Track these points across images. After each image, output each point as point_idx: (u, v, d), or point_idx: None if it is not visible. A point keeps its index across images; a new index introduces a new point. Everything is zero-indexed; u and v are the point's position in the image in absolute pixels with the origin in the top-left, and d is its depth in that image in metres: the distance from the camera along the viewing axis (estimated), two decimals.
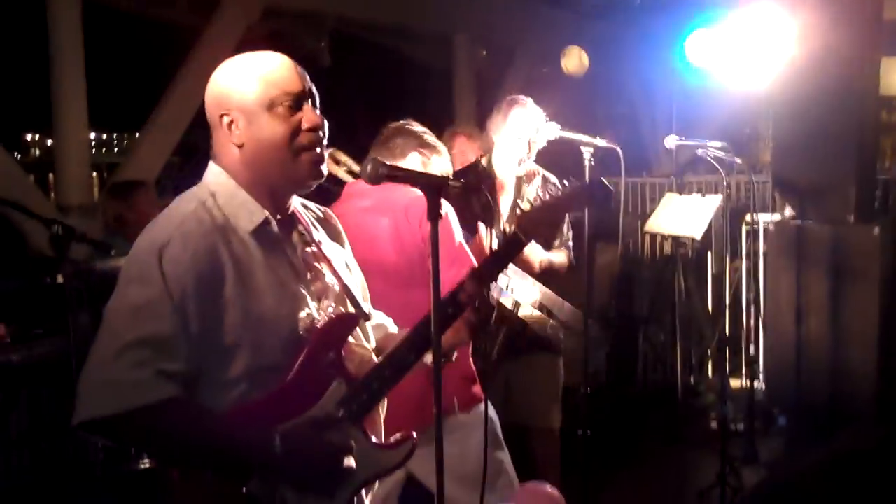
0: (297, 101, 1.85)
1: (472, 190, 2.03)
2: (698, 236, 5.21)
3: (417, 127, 3.16)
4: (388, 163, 1.89)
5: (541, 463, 4.02)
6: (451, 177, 2.90)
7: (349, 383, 1.92)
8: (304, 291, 1.92)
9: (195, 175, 1.98)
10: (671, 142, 4.81)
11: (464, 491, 2.57)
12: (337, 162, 3.34)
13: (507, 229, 3.77)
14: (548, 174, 4.02)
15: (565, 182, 2.20)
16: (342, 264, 2.07)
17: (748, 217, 6.17)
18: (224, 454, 1.78)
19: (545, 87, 8.33)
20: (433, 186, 1.84)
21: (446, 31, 7.87)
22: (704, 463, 4.78)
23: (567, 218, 3.84)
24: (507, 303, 3.57)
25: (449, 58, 8.02)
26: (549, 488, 2.91)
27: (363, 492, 1.99)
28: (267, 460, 1.77)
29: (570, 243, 4.08)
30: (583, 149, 3.44)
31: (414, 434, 1.99)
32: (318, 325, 1.91)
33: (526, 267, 3.77)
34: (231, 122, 1.86)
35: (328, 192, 2.93)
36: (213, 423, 1.79)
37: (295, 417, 1.84)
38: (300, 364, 1.86)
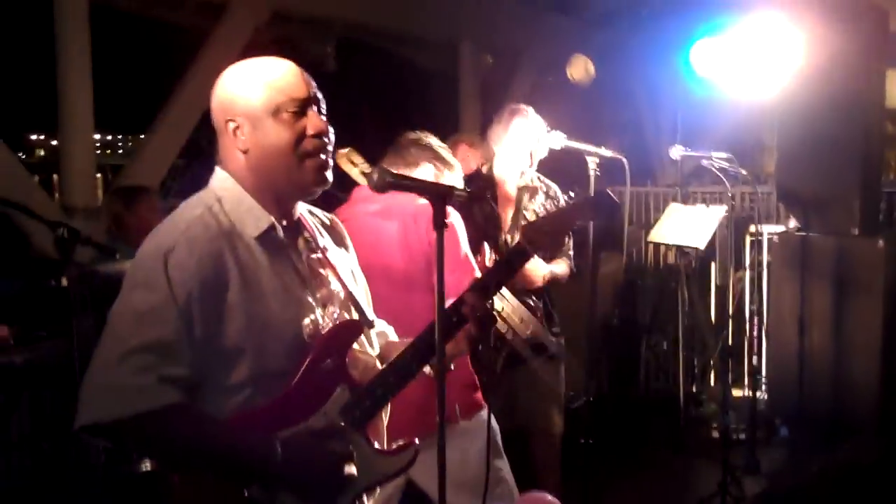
0: (303, 107, 1.86)
1: (477, 199, 2.03)
2: (702, 247, 5.21)
3: (434, 141, 3.18)
4: (394, 171, 1.89)
5: (541, 468, 4.02)
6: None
7: (353, 390, 1.92)
8: (308, 298, 1.93)
9: (199, 178, 1.99)
10: (676, 153, 4.81)
11: (463, 498, 2.56)
12: (353, 163, 3.34)
13: (508, 240, 3.77)
14: (550, 183, 4.02)
15: (571, 193, 2.21)
16: (347, 271, 2.08)
17: (752, 228, 6.16)
18: (225, 460, 1.79)
19: (550, 94, 8.35)
20: (439, 195, 1.84)
21: (452, 37, 7.88)
22: (706, 472, 4.78)
23: None
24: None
25: (454, 64, 8.03)
26: (549, 498, 2.91)
27: (364, 497, 1.99)
28: (268, 467, 1.77)
29: (571, 252, 4.08)
30: (588, 159, 3.44)
31: (416, 441, 1.99)
32: (322, 332, 1.91)
33: (529, 281, 3.78)
34: (237, 127, 1.86)
35: (334, 198, 2.93)
36: (216, 429, 1.79)
37: (298, 423, 1.84)
38: (304, 370, 1.86)
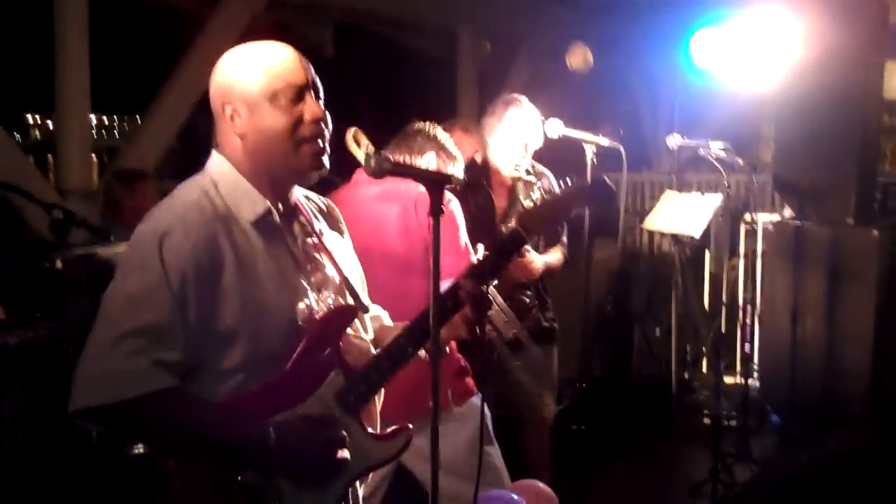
0: (300, 92, 1.85)
1: (473, 188, 2.04)
2: (697, 235, 5.22)
3: (441, 133, 3.19)
4: (396, 158, 1.90)
5: (532, 455, 4.04)
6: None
7: (347, 374, 1.92)
8: (304, 282, 1.93)
9: (195, 161, 1.99)
10: (673, 141, 4.82)
11: (454, 483, 2.58)
12: (358, 143, 3.33)
13: (504, 230, 3.78)
14: (545, 171, 4.03)
15: (568, 180, 2.21)
16: (343, 256, 2.08)
17: (747, 217, 6.18)
18: (219, 445, 1.79)
19: (548, 83, 8.33)
20: (435, 183, 1.84)
21: (450, 23, 7.85)
22: (697, 458, 4.81)
23: None
24: None
25: (452, 50, 8.01)
26: (541, 486, 2.93)
27: (357, 482, 2.00)
28: (262, 452, 1.77)
29: (565, 239, 4.10)
30: (585, 147, 3.45)
31: (410, 426, 2.01)
32: (317, 316, 1.92)
33: (528, 273, 3.80)
34: (234, 112, 1.86)
35: (331, 183, 2.93)
36: (209, 414, 1.79)
37: (292, 408, 1.85)
38: (298, 354, 1.87)
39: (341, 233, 2.16)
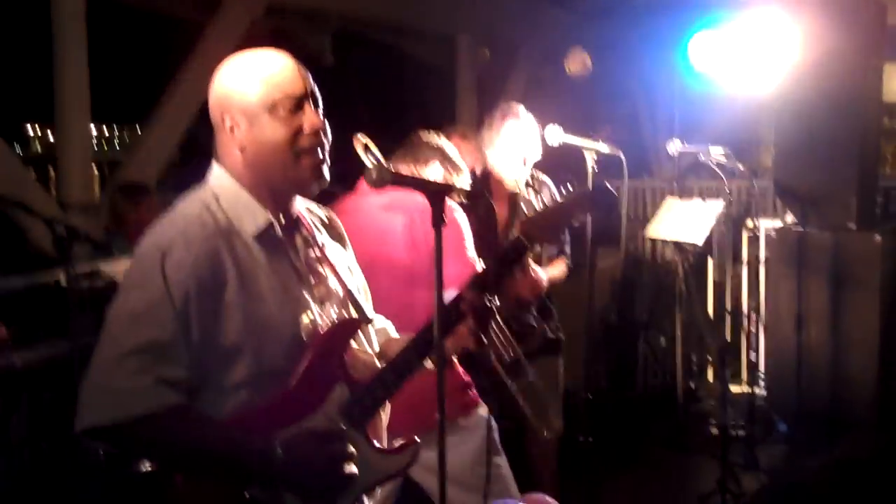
0: (299, 102, 1.84)
1: (475, 197, 2.02)
2: (699, 243, 5.20)
3: (446, 143, 3.19)
4: (399, 168, 1.89)
5: (538, 467, 4.02)
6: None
7: (352, 388, 1.91)
8: (307, 295, 1.92)
9: (196, 172, 1.97)
10: (674, 147, 4.80)
11: (462, 494, 2.57)
12: (366, 149, 3.32)
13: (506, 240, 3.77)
14: (545, 180, 4.01)
15: (570, 187, 2.19)
16: (345, 268, 2.07)
17: (749, 223, 6.16)
18: (225, 462, 1.78)
19: (547, 88, 8.33)
20: (437, 193, 1.83)
21: (449, 30, 7.86)
22: (704, 469, 4.78)
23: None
24: None
25: (451, 57, 8.02)
26: (549, 500, 2.90)
27: (363, 496, 1.98)
28: (268, 468, 1.76)
29: (568, 249, 4.09)
30: (586, 154, 3.43)
31: (417, 439, 1.99)
32: (320, 330, 1.90)
33: (533, 289, 3.79)
34: (233, 123, 1.85)
35: (332, 194, 2.92)
36: (215, 431, 1.78)
37: (298, 423, 1.83)
38: (303, 369, 1.85)
39: (344, 244, 2.15)
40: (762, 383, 5.85)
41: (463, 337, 2.03)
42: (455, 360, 2.81)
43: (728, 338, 6.00)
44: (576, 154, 3.47)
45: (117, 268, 3.27)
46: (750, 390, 5.27)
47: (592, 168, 3.41)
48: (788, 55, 4.95)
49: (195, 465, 1.79)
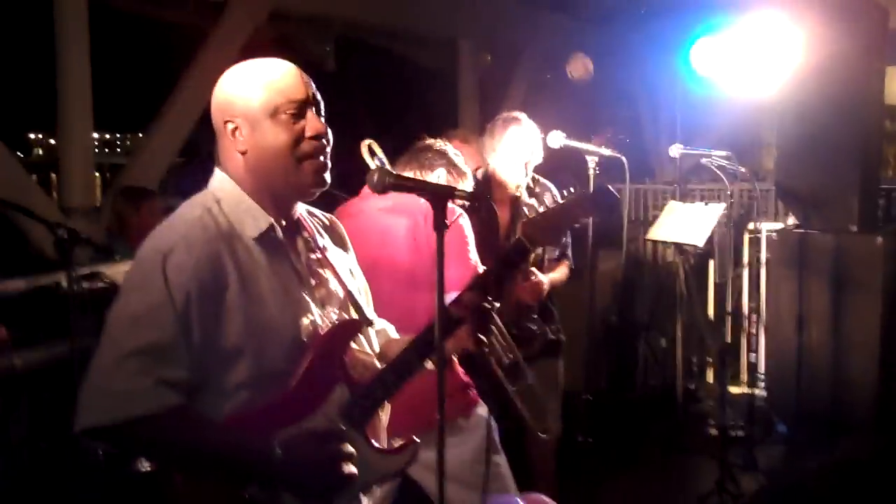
0: (301, 108, 1.85)
1: (477, 201, 2.03)
2: (701, 245, 5.21)
3: (450, 149, 3.21)
4: (400, 172, 1.90)
5: (537, 468, 4.03)
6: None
7: (352, 389, 1.92)
8: (307, 298, 1.93)
9: (197, 176, 1.99)
10: (676, 150, 4.81)
11: (459, 492, 2.58)
12: (372, 154, 3.33)
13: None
14: (548, 185, 4.02)
15: (571, 189, 2.20)
16: (346, 270, 2.08)
17: (751, 225, 6.17)
18: (225, 462, 1.79)
19: (549, 92, 8.35)
20: (439, 196, 1.84)
21: (451, 35, 7.88)
22: (703, 469, 4.78)
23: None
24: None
25: (453, 62, 8.03)
26: (548, 500, 2.91)
27: (361, 496, 1.99)
28: (267, 468, 1.77)
29: (570, 251, 4.10)
30: (588, 158, 3.45)
31: (416, 439, 2.00)
32: (321, 332, 1.92)
33: (534, 294, 3.80)
34: (235, 128, 1.86)
35: (334, 198, 2.93)
36: (215, 432, 1.79)
37: (298, 424, 1.84)
38: (303, 371, 1.86)
39: (345, 248, 2.16)
40: (762, 384, 5.85)
41: (463, 338, 2.04)
42: (455, 360, 2.82)
43: (728, 339, 6.00)
44: (578, 157, 3.48)
45: (118, 271, 3.29)
46: (750, 391, 5.26)
47: (594, 171, 3.42)
48: (791, 58, 4.96)
49: (194, 465, 1.79)
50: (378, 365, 2.04)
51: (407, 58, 8.47)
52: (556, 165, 4.02)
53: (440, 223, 1.81)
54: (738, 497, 4.41)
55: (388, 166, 3.39)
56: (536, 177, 3.99)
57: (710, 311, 6.72)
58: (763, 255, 6.07)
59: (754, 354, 6.01)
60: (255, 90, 1.84)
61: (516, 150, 3.83)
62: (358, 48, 7.95)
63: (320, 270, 2.00)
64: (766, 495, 4.29)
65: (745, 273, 6.25)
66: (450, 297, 1.91)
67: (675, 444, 5.37)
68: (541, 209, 3.81)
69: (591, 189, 3.30)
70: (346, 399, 1.91)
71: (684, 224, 5.27)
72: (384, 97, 9.48)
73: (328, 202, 2.29)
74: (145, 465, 3.18)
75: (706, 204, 5.39)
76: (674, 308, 5.66)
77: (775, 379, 5.49)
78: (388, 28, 7.47)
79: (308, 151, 1.85)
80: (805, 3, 4.99)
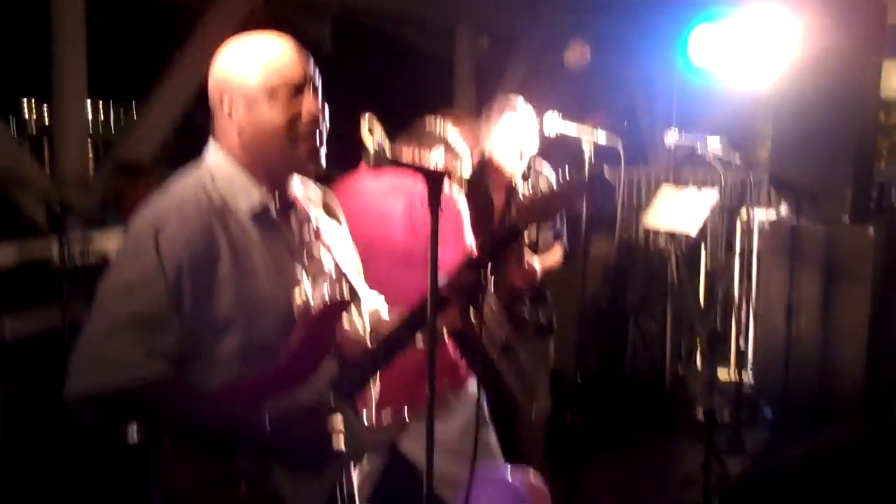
0: (298, 89, 1.85)
1: (471, 184, 2.04)
2: (694, 233, 5.23)
3: (450, 129, 3.22)
4: (390, 150, 1.90)
5: (526, 447, 4.06)
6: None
7: (342, 363, 1.94)
8: (299, 272, 1.94)
9: (191, 150, 1.99)
10: (671, 138, 4.82)
11: (447, 463, 2.61)
12: (370, 131, 3.33)
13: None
14: (543, 170, 4.03)
15: (567, 176, 2.21)
16: (339, 245, 2.09)
17: (743, 213, 6.19)
18: (213, 434, 1.81)
19: (545, 78, 8.34)
20: (434, 176, 1.85)
21: (449, 20, 7.85)
22: (689, 452, 4.81)
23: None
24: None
25: (450, 47, 8.01)
26: (533, 478, 2.94)
27: (351, 467, 2.02)
28: (256, 440, 1.79)
29: (564, 234, 4.11)
30: (583, 142, 3.45)
31: (405, 413, 2.02)
32: (312, 306, 1.93)
33: (528, 277, 3.81)
34: (231, 106, 1.86)
35: (329, 178, 2.93)
36: (203, 403, 1.81)
37: (287, 397, 1.86)
38: (294, 344, 1.88)
39: (338, 220, 2.17)
40: (750, 370, 5.89)
41: (454, 316, 2.06)
42: (446, 337, 2.85)
43: (718, 325, 6.02)
44: (574, 141, 3.49)
45: (110, 242, 3.29)
46: (738, 377, 5.30)
47: (590, 157, 3.42)
48: (787, 50, 4.96)
49: (183, 434, 1.80)
50: (369, 341, 2.06)
51: (404, 42, 8.44)
52: (553, 150, 4.02)
53: (434, 203, 1.82)
54: (724, 479, 4.44)
55: (383, 143, 3.38)
56: (535, 163, 4.00)
57: (701, 298, 6.76)
58: (755, 244, 6.10)
59: (743, 341, 6.04)
60: (253, 69, 1.84)
61: (512, 137, 3.83)
62: (355, 31, 7.92)
63: (313, 246, 2.01)
64: (750, 478, 4.32)
65: (737, 261, 6.27)
66: (443, 275, 1.93)
67: (663, 427, 5.41)
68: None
69: (587, 176, 3.31)
70: (335, 373, 1.93)
71: (678, 211, 5.28)
72: (381, 81, 9.45)
73: (325, 182, 2.29)
74: (134, 437, 3.18)
75: (699, 189, 5.41)
76: (665, 293, 5.68)
77: (763, 366, 5.53)
78: (386, 12, 7.44)
79: (303, 133, 1.86)
80: None
